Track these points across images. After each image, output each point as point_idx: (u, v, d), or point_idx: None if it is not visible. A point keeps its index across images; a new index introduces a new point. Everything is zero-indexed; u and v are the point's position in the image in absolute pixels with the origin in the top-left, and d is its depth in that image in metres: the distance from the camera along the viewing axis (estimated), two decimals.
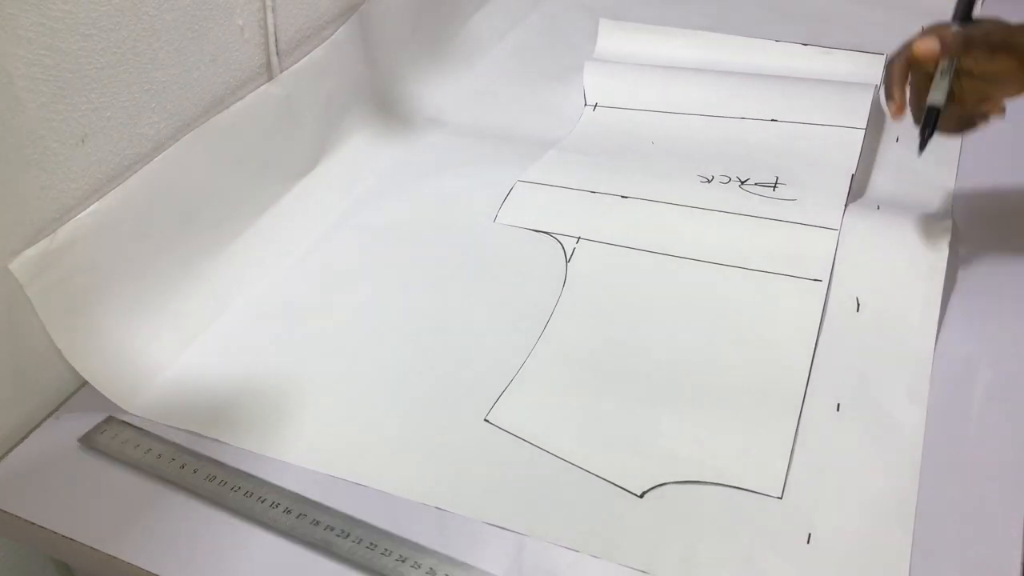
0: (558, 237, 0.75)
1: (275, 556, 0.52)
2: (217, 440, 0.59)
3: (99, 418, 0.61)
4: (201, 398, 0.62)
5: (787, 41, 0.95)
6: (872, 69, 0.90)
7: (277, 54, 0.75)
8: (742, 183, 0.77)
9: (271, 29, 0.74)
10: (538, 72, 1.00)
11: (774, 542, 0.52)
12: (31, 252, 0.58)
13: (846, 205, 0.73)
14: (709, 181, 0.78)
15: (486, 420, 0.60)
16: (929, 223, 0.71)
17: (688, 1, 1.10)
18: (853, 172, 0.77)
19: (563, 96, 0.95)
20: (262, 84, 0.75)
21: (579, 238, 0.74)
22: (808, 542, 0.51)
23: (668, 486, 0.55)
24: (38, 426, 0.61)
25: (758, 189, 0.77)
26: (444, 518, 0.54)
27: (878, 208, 0.74)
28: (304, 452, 0.58)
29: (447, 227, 0.77)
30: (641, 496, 0.54)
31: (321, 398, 0.62)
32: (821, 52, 0.93)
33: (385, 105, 0.91)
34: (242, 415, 0.61)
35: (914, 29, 0.67)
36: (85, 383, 0.63)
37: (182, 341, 0.67)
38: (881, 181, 0.79)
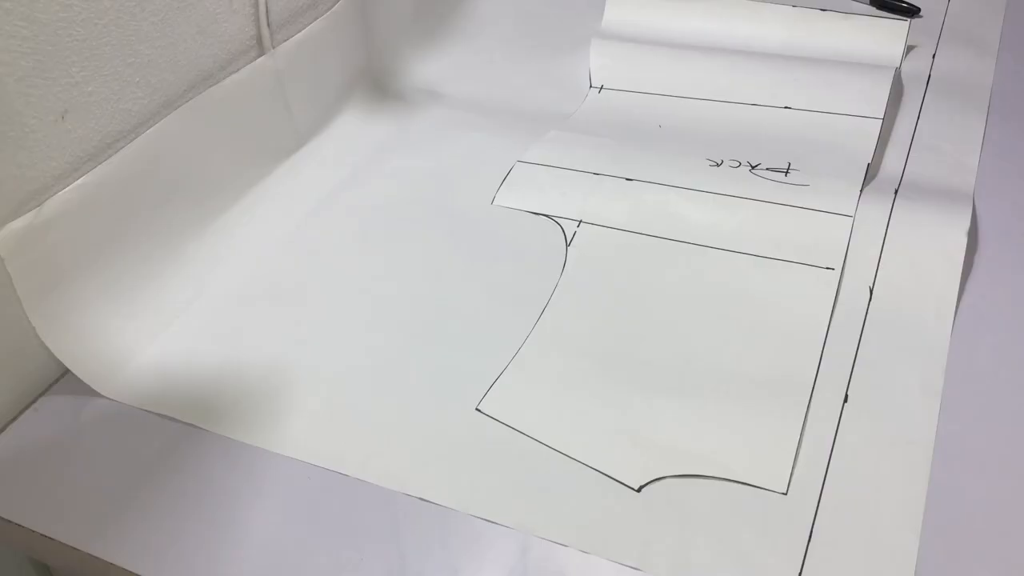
0: (558, 220, 0.72)
1: (263, 555, 0.50)
2: (196, 426, 0.57)
3: (79, 409, 0.59)
4: (180, 383, 0.61)
5: (805, 6, 0.93)
6: (895, 35, 0.88)
7: (268, 26, 0.73)
8: (752, 168, 0.75)
9: (262, 0, 0.71)
10: (542, 44, 0.98)
11: (775, 540, 0.50)
12: (16, 225, 0.56)
13: (861, 191, 0.71)
14: (718, 165, 0.76)
15: (477, 409, 0.58)
16: (948, 209, 0.69)
17: None
18: (869, 161, 0.75)
19: (568, 69, 0.92)
20: (251, 58, 0.72)
21: (580, 221, 0.72)
22: (810, 540, 0.50)
23: (667, 480, 0.53)
24: (16, 418, 0.59)
25: (769, 174, 0.74)
26: (446, 514, 0.52)
27: (895, 193, 0.72)
28: (288, 440, 0.57)
29: (442, 207, 0.75)
30: (638, 490, 0.53)
31: (306, 384, 0.60)
32: (841, 17, 0.90)
33: (382, 80, 0.89)
34: (223, 401, 0.59)
35: None
36: (64, 374, 0.61)
37: (162, 323, 0.65)
38: (898, 162, 0.77)
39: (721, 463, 0.54)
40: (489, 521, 0.52)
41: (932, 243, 0.66)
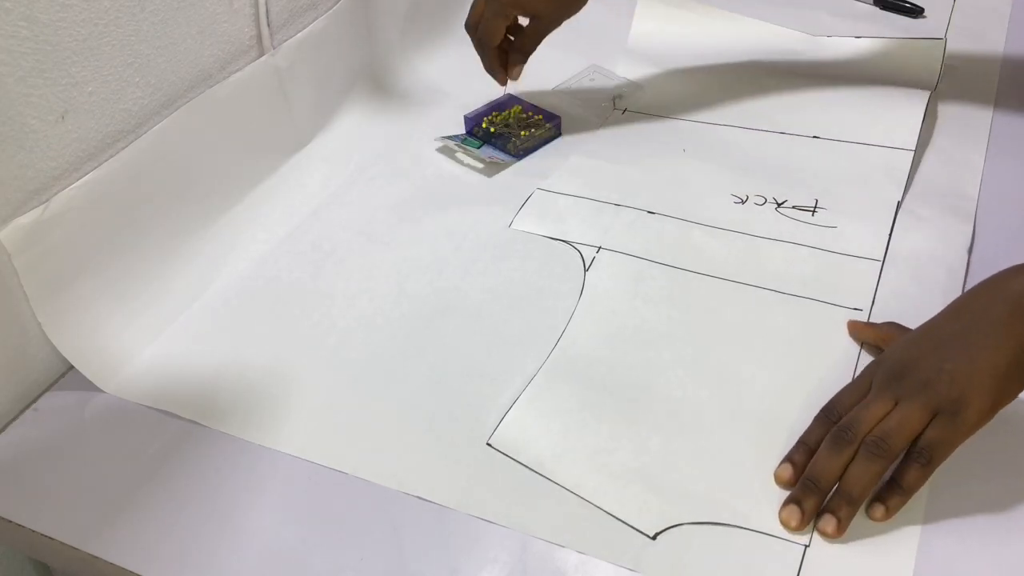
0: (576, 246, 0.70)
1: (263, 555, 0.50)
2: (197, 423, 0.57)
3: (80, 407, 0.59)
4: (182, 380, 0.60)
5: (840, 35, 0.90)
6: (930, 58, 0.84)
7: (268, 26, 0.72)
8: (779, 205, 0.72)
9: (262, 0, 0.71)
10: (545, 42, 0.96)
11: (772, 545, 0.49)
12: (23, 220, 0.56)
13: (891, 234, 0.69)
14: (743, 202, 0.73)
15: (488, 444, 0.55)
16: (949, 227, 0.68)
17: None
18: (899, 199, 0.72)
19: (572, 67, 0.92)
20: (252, 57, 0.72)
21: (599, 247, 0.69)
22: (809, 544, 0.49)
23: (684, 527, 0.51)
24: (16, 418, 0.59)
25: (796, 213, 0.72)
26: (446, 514, 0.52)
27: (898, 205, 0.71)
28: (289, 438, 0.56)
29: (448, 210, 0.74)
30: (653, 538, 0.50)
31: (306, 382, 0.60)
32: (874, 40, 0.88)
33: (385, 80, 0.88)
34: (225, 398, 0.59)
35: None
36: (64, 373, 0.61)
37: (165, 320, 0.65)
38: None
39: (741, 511, 0.51)
40: (489, 521, 0.51)
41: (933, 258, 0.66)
